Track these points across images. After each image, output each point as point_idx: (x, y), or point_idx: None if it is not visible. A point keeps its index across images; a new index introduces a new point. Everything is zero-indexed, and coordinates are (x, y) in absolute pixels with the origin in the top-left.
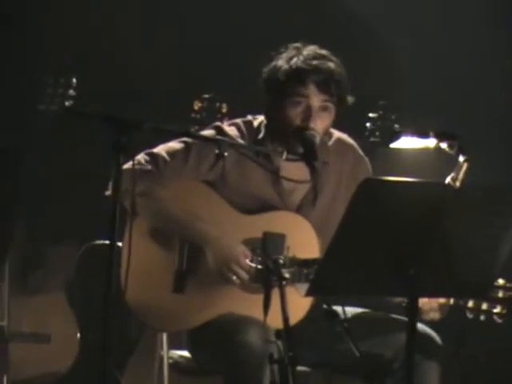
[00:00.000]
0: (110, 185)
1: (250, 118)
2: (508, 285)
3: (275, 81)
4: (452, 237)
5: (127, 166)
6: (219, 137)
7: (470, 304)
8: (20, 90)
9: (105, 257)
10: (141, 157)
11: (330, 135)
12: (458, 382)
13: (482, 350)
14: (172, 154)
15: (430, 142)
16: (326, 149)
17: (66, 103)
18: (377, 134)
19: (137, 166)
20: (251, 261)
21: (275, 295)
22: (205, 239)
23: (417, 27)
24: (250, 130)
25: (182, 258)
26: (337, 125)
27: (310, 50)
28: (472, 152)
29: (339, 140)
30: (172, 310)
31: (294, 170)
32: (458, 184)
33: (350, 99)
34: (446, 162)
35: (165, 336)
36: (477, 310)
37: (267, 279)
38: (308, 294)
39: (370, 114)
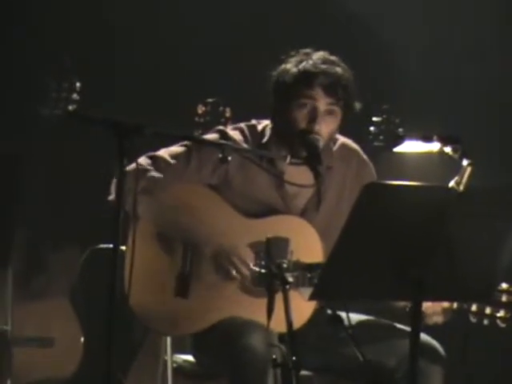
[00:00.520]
0: (113, 189)
1: (254, 122)
2: (511, 289)
3: (283, 83)
4: (456, 240)
5: (130, 167)
6: (223, 141)
7: (474, 308)
8: (21, 93)
9: (108, 261)
10: (143, 159)
11: (334, 140)
12: None
13: (485, 354)
14: (174, 156)
15: (434, 146)
16: (331, 154)
17: (70, 107)
18: (380, 138)
19: (139, 167)
20: (255, 265)
21: (279, 299)
22: (204, 240)
23: (419, 29)
24: (253, 134)
25: (186, 262)
26: (340, 129)
27: (320, 55)
28: (475, 154)
29: (343, 145)
30: (176, 314)
31: (298, 174)
32: (461, 188)
33: (357, 105)
34: (449, 165)
35: (169, 340)
36: (480, 314)
37: (271, 283)
38: (312, 298)
39: (374, 118)
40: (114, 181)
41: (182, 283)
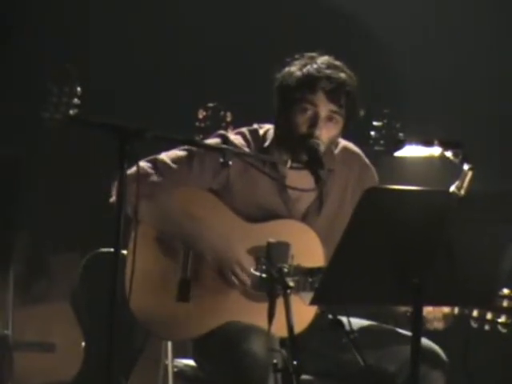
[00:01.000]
0: (114, 192)
1: (255, 126)
2: None
3: (286, 86)
4: (456, 245)
5: (131, 171)
6: (224, 145)
7: (475, 313)
8: (23, 98)
9: (109, 265)
10: (144, 163)
11: (336, 144)
12: None
13: (486, 359)
14: (175, 160)
15: (435, 151)
16: (332, 157)
17: (71, 112)
18: (381, 142)
19: (140, 171)
20: (256, 269)
21: (280, 304)
22: (205, 244)
23: (421, 33)
24: (255, 139)
25: (187, 267)
26: (342, 134)
27: (324, 59)
28: (475, 158)
29: (345, 148)
30: (177, 319)
31: (300, 179)
32: (462, 192)
33: (361, 112)
34: (450, 170)
35: (169, 344)
36: (481, 319)
37: (272, 288)
38: (313, 302)
39: (375, 123)
40: (116, 184)
41: (184, 288)
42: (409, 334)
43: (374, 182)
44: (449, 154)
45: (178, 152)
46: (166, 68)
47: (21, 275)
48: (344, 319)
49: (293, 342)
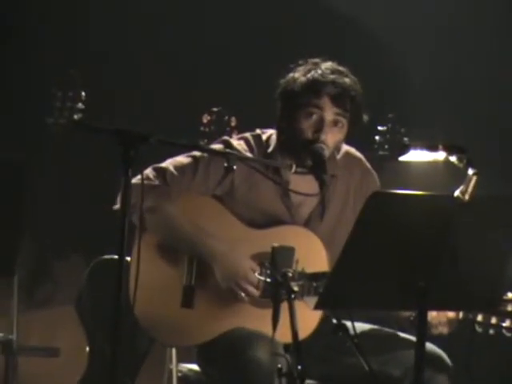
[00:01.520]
0: (119, 199)
1: (258, 131)
2: None
3: (291, 92)
4: (461, 250)
5: (135, 180)
6: (228, 150)
7: (480, 318)
8: (23, 98)
9: (114, 271)
10: (149, 171)
11: (338, 149)
12: None
13: (491, 363)
14: (180, 168)
15: (439, 155)
16: (335, 162)
17: (75, 116)
18: (386, 147)
19: (145, 181)
20: (260, 274)
21: (284, 310)
22: (212, 255)
23: (423, 37)
24: (258, 144)
25: (191, 273)
26: (347, 139)
27: (329, 65)
28: (480, 163)
29: (347, 153)
30: (181, 325)
31: (303, 184)
32: (467, 197)
33: (365, 118)
34: (454, 175)
35: (174, 349)
36: (486, 323)
37: (276, 293)
38: (317, 307)
39: (379, 127)
40: (121, 191)
41: (188, 294)
42: (412, 338)
43: (376, 186)
44: (453, 158)
45: (182, 159)
46: (170, 73)
47: (25, 280)
48: (348, 323)
49: (297, 346)
